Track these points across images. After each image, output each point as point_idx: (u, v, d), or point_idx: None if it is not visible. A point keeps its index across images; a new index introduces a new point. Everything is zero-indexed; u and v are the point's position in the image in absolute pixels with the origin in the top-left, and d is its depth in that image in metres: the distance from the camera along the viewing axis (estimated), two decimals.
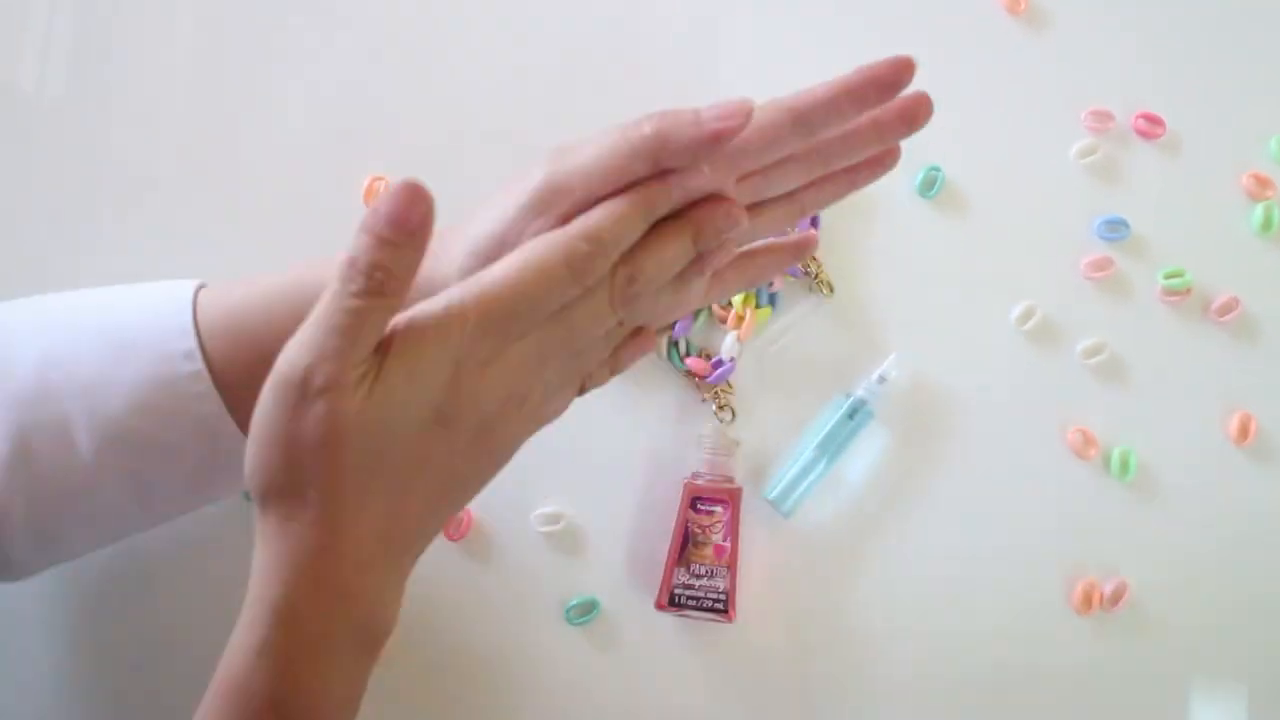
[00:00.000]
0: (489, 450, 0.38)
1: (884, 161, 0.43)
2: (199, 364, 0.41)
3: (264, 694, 0.35)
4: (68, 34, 0.57)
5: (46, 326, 0.43)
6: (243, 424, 0.41)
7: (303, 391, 0.33)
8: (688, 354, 0.56)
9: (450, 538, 0.55)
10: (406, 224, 0.32)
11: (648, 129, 0.37)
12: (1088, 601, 0.56)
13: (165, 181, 0.56)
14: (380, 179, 0.56)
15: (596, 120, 0.58)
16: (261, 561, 0.36)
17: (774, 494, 0.55)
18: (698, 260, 0.40)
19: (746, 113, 0.37)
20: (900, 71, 0.40)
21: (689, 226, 0.38)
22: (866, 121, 0.41)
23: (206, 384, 0.41)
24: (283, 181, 0.56)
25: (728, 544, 0.53)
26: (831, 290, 0.57)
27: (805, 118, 0.39)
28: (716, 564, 0.53)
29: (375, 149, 0.57)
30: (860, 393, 0.55)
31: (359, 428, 0.33)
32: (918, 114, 0.42)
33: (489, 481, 0.39)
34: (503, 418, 0.37)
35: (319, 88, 0.57)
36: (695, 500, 0.53)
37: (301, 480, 0.34)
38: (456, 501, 0.39)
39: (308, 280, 0.42)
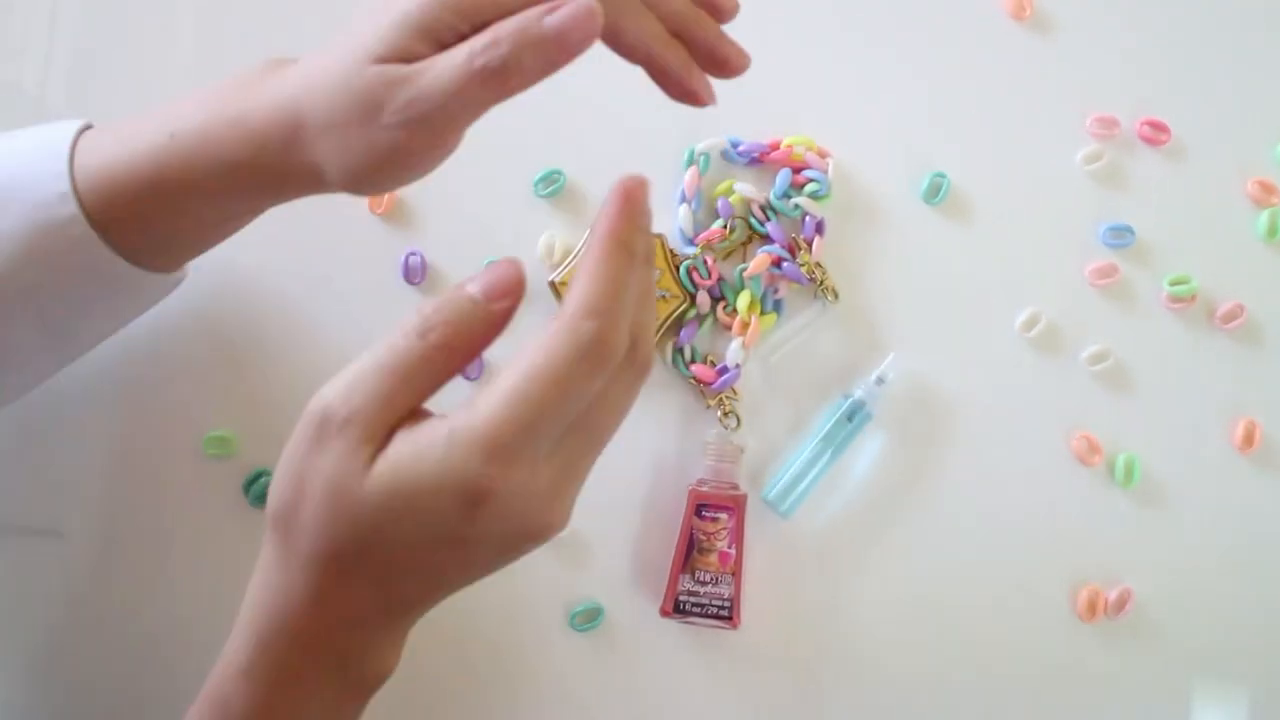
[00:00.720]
0: (511, 558, 0.36)
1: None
2: (74, 207, 0.41)
3: (242, 715, 0.36)
4: (69, 33, 0.57)
5: None
6: (130, 256, 0.42)
7: (323, 427, 0.33)
8: (693, 360, 0.56)
9: None
10: (494, 292, 0.33)
11: None
12: (1092, 609, 0.56)
13: None
14: None
15: (606, 124, 0.58)
16: (258, 580, 0.36)
17: (771, 494, 0.55)
18: None
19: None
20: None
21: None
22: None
23: (84, 226, 0.41)
24: None
25: (733, 551, 0.53)
26: (836, 296, 0.57)
27: None
28: (721, 571, 0.53)
29: None
30: (858, 394, 0.55)
31: (369, 491, 0.33)
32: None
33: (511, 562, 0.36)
34: (530, 546, 0.35)
35: None
36: (700, 507, 0.53)
37: (302, 522, 0.34)
38: (471, 576, 0.36)
39: (188, 123, 0.41)
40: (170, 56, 0.57)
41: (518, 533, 0.34)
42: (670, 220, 0.57)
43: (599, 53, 0.58)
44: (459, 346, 0.33)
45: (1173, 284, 0.58)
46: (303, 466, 0.34)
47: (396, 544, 0.34)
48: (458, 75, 0.36)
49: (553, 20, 0.36)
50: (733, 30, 0.59)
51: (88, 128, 0.44)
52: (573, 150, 0.57)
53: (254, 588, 0.36)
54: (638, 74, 0.58)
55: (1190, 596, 0.57)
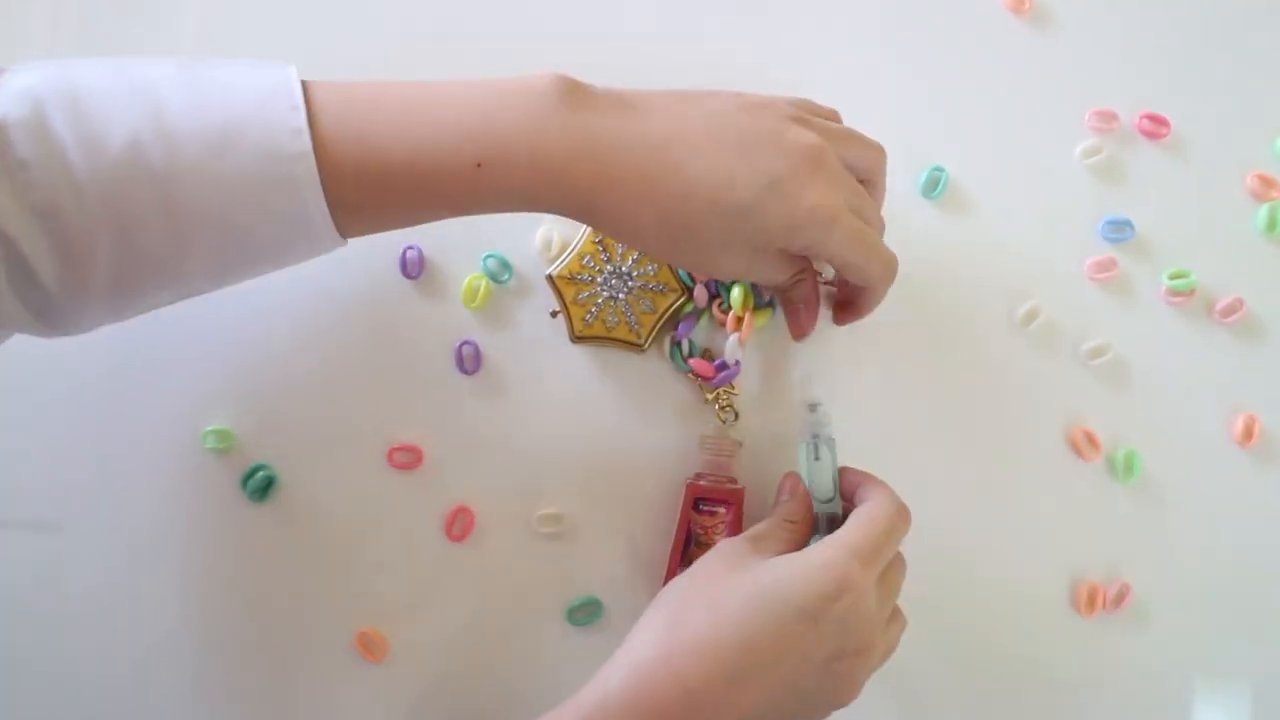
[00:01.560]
0: (832, 687, 0.46)
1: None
2: (306, 144, 0.41)
3: None
4: (71, 33, 0.57)
5: (142, 102, 0.41)
6: (338, 215, 0.43)
7: (721, 551, 0.48)
8: (690, 354, 0.56)
9: (452, 539, 0.55)
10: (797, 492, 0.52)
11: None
12: (1091, 603, 0.56)
13: None
14: None
15: None
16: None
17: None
18: None
19: None
20: None
21: None
22: None
23: (310, 166, 0.41)
24: None
25: None
26: (829, 283, 0.56)
27: None
28: None
29: None
30: (807, 435, 0.53)
31: (754, 576, 0.45)
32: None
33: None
34: (853, 664, 0.45)
35: None
36: (698, 501, 0.53)
37: (688, 601, 0.46)
38: (794, 679, 0.44)
39: (429, 102, 0.43)
40: (170, 44, 0.57)
41: (853, 634, 0.44)
42: None
43: (597, 50, 0.58)
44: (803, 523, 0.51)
45: (1172, 278, 0.58)
46: (707, 570, 0.47)
47: (767, 610, 0.44)
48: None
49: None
50: (735, 23, 0.59)
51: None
52: None
53: (622, 654, 0.45)
54: (636, 68, 0.58)
55: (1189, 591, 0.57)
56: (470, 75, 0.45)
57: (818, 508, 0.52)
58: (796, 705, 0.45)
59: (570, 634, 0.55)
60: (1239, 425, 0.58)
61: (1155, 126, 0.59)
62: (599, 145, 0.43)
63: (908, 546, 0.56)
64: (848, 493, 0.52)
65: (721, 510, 0.53)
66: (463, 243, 0.56)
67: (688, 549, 0.53)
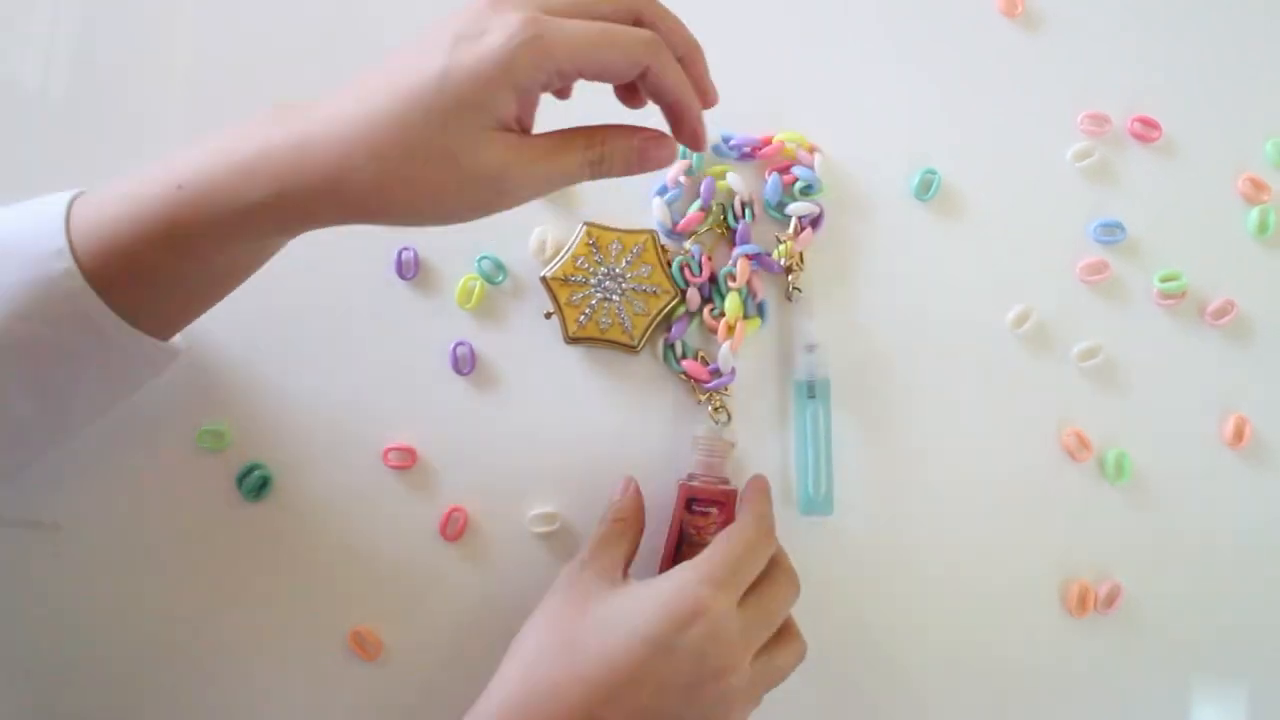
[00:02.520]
0: (698, 714, 0.46)
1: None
2: (69, 261, 0.41)
3: None
4: (72, 32, 0.57)
5: None
6: (126, 316, 0.43)
7: (574, 572, 0.49)
8: (683, 356, 0.56)
9: (447, 538, 0.55)
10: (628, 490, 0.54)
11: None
12: (1082, 603, 0.56)
13: None
14: None
15: (599, 118, 0.59)
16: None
17: (805, 507, 0.55)
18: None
19: None
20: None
21: None
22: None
23: (79, 280, 0.41)
24: None
25: None
26: (799, 291, 0.57)
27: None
28: None
29: None
30: (801, 373, 0.55)
31: (605, 606, 0.46)
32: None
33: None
34: (714, 690, 0.45)
35: (321, 85, 0.57)
36: (690, 502, 0.53)
37: (540, 639, 0.47)
38: (657, 704, 0.45)
39: (184, 189, 0.42)
40: (172, 54, 0.57)
41: (710, 659, 0.44)
42: (647, 210, 0.57)
43: None
44: (633, 520, 0.53)
45: (1163, 280, 0.58)
46: (560, 610, 0.48)
47: (619, 639, 0.45)
48: (577, 174, 0.43)
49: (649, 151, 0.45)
50: (729, 24, 0.59)
51: (79, 195, 0.44)
52: None
53: (486, 697, 0.47)
54: None
55: (1180, 591, 0.57)
56: None
57: (813, 461, 0.53)
58: None
59: None
60: (1230, 426, 0.58)
61: (1147, 130, 0.59)
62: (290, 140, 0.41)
63: (900, 546, 0.56)
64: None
65: (714, 511, 0.53)
66: (457, 244, 0.56)
67: (680, 550, 0.53)
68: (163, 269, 0.43)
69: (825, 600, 0.56)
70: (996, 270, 0.58)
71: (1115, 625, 0.57)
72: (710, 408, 0.56)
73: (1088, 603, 0.56)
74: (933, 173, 0.58)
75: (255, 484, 0.54)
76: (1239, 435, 0.58)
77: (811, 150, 0.57)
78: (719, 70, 0.58)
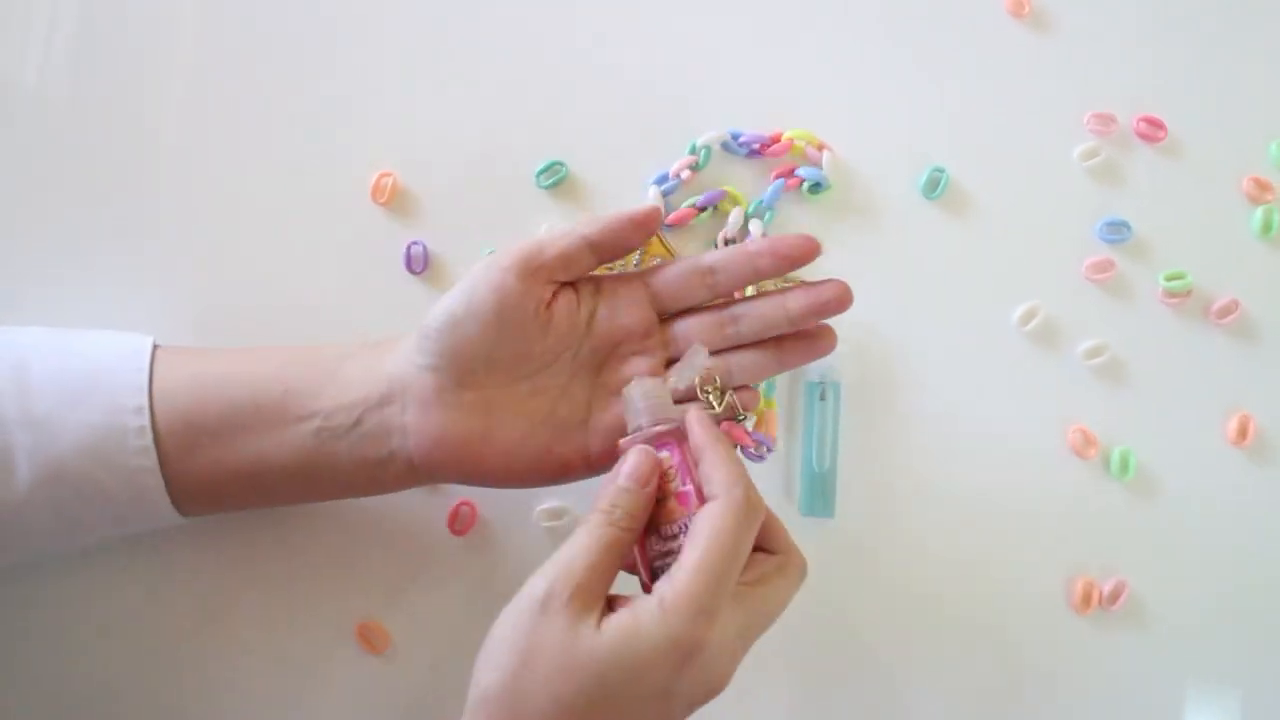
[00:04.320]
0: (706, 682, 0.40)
1: (817, 346, 0.50)
2: (145, 420, 0.45)
3: None
4: (71, 33, 0.57)
5: (7, 359, 0.45)
6: (168, 478, 0.46)
7: (548, 603, 0.39)
8: None
9: (455, 533, 0.55)
10: (642, 478, 0.43)
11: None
12: (1087, 600, 0.56)
13: (168, 182, 0.56)
14: (388, 175, 0.56)
15: (608, 115, 0.59)
16: None
17: (806, 508, 0.55)
18: None
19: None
20: (805, 250, 0.48)
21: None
22: (794, 303, 0.48)
23: (148, 440, 0.45)
24: (289, 177, 0.57)
25: (689, 488, 0.44)
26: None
27: (710, 269, 0.48)
28: (685, 514, 0.44)
29: (384, 145, 0.57)
30: (814, 373, 0.56)
31: (598, 653, 0.39)
32: (829, 304, 0.48)
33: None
34: (712, 697, 0.41)
35: (328, 80, 0.58)
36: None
37: (527, 690, 0.39)
38: None
39: (258, 373, 0.47)
40: (173, 53, 0.57)
41: (708, 685, 0.40)
42: (639, 196, 0.57)
43: (600, 43, 0.59)
44: (633, 525, 0.42)
45: (1168, 279, 0.59)
46: (528, 642, 0.39)
47: (619, 698, 0.39)
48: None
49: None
50: (738, 23, 0.59)
51: (157, 347, 0.48)
52: (575, 142, 0.58)
53: None
54: (640, 66, 0.59)
55: (1184, 589, 0.57)
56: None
57: (818, 461, 0.52)
58: None
59: None
60: (1234, 425, 0.58)
61: (1152, 130, 0.60)
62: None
63: (905, 542, 0.57)
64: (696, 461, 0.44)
65: (666, 454, 0.45)
66: (467, 238, 0.56)
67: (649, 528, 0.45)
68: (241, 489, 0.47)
69: (828, 599, 0.56)
70: (1003, 268, 0.59)
71: (1120, 622, 0.57)
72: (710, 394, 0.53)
73: (1092, 599, 0.56)
74: (940, 171, 0.58)
75: None
76: (1243, 433, 0.58)
77: (820, 148, 0.58)
78: (729, 68, 0.59)
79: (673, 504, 0.44)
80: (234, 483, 0.46)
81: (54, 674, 0.53)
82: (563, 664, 0.39)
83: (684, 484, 0.44)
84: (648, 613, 0.39)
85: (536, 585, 0.40)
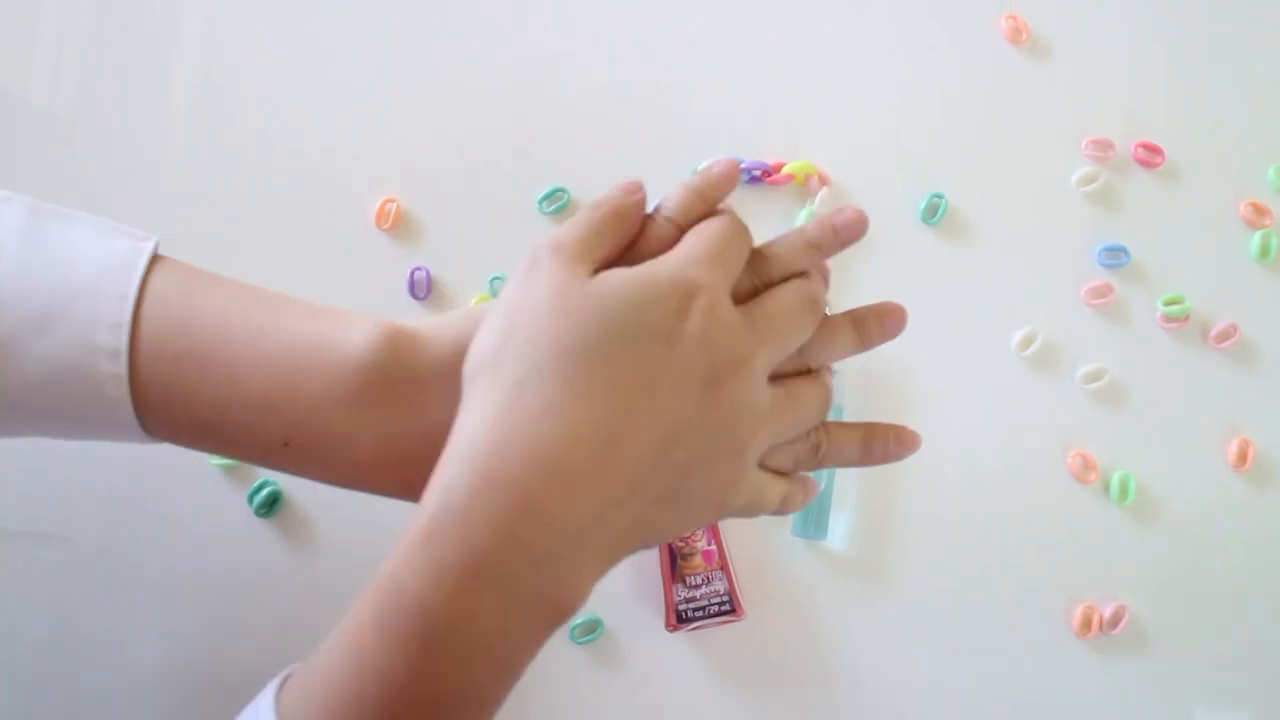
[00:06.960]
0: (719, 425, 0.36)
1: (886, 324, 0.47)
2: (121, 368, 0.38)
3: (413, 595, 0.34)
4: (77, 57, 0.58)
5: None
6: (144, 411, 0.39)
7: (535, 258, 0.36)
8: None
9: None
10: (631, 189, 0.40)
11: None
12: (1087, 624, 0.56)
13: (171, 208, 0.57)
14: (392, 200, 0.57)
15: (610, 143, 0.59)
16: (456, 436, 0.35)
17: (800, 530, 0.56)
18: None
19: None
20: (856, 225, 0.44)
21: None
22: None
23: (123, 390, 0.38)
24: (293, 202, 0.57)
25: (713, 547, 0.54)
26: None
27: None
28: (709, 569, 0.54)
29: (388, 171, 0.58)
30: None
31: (590, 289, 0.35)
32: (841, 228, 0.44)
33: (727, 494, 0.38)
34: (731, 389, 0.36)
35: (332, 106, 0.58)
36: None
37: (517, 346, 0.35)
38: (675, 405, 0.36)
39: (266, 337, 0.41)
40: (178, 75, 0.58)
41: (720, 347, 0.36)
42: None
43: (603, 71, 0.59)
44: (640, 196, 0.40)
45: (1167, 304, 0.59)
46: (516, 297, 0.36)
47: (619, 338, 0.35)
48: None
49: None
50: (740, 52, 0.60)
51: (156, 259, 0.41)
52: (577, 168, 0.58)
53: (453, 442, 0.35)
54: (642, 92, 0.59)
55: (1185, 613, 0.57)
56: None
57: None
58: (685, 476, 0.36)
59: (573, 652, 0.55)
60: (1233, 448, 0.58)
61: (1150, 155, 0.60)
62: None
63: (909, 557, 0.57)
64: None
65: None
66: (469, 265, 0.57)
67: (675, 564, 0.54)
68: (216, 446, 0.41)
69: (828, 618, 0.56)
70: (1002, 293, 0.59)
71: (1121, 646, 0.57)
72: None
73: (1093, 624, 0.57)
74: (939, 197, 0.59)
75: (266, 500, 0.55)
76: (1243, 457, 0.58)
77: (823, 180, 0.58)
78: (730, 94, 0.59)
79: (698, 560, 0.54)
80: (209, 436, 0.41)
81: (54, 694, 0.53)
82: (555, 304, 0.35)
83: (709, 544, 0.54)
84: (643, 265, 0.37)
85: (530, 250, 0.37)
